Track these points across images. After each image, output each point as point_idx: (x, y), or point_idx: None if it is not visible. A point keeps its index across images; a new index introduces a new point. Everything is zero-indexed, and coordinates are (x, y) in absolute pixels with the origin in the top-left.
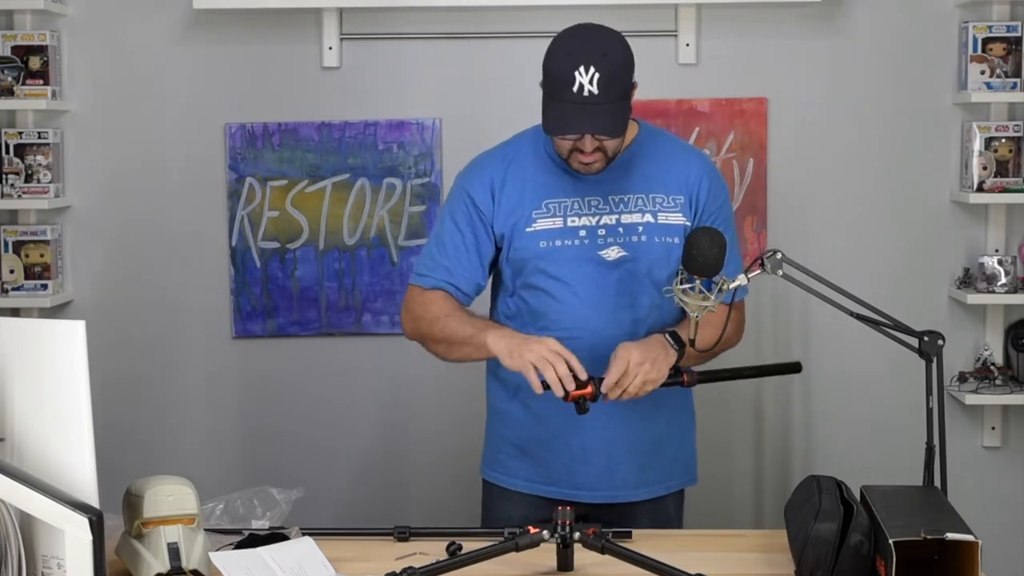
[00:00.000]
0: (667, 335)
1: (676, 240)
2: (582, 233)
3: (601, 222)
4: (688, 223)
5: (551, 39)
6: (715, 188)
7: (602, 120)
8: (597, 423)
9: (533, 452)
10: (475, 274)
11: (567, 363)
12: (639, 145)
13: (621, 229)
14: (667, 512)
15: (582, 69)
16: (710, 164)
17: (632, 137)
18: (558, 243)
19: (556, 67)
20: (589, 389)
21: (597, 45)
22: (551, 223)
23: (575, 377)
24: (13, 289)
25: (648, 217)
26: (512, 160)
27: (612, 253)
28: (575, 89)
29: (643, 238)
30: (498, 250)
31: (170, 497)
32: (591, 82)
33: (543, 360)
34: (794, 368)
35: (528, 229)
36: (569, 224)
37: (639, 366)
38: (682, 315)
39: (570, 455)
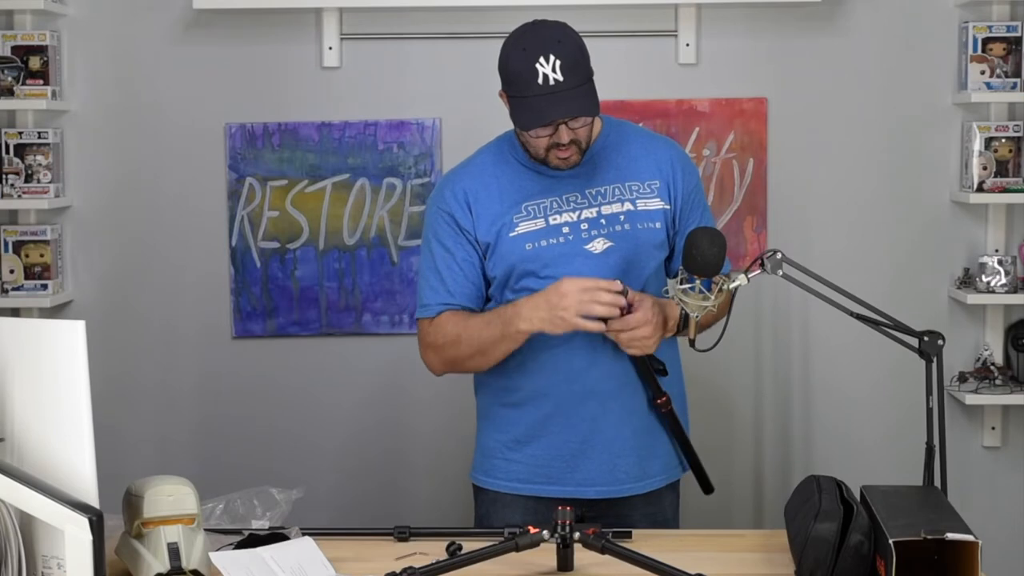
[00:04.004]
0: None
1: (658, 224)
2: (565, 230)
3: (583, 216)
4: (667, 206)
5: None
6: (688, 168)
7: (576, 103)
8: (595, 415)
9: (530, 452)
10: (475, 289)
11: (598, 288)
12: (606, 137)
13: (603, 221)
14: (662, 504)
15: (542, 60)
16: (677, 147)
17: (598, 131)
18: (543, 243)
19: (515, 65)
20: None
21: (549, 35)
22: (533, 224)
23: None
24: (13, 289)
25: (628, 205)
26: (482, 172)
27: (598, 246)
28: (540, 81)
29: (626, 227)
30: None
31: (170, 497)
32: (554, 70)
33: (584, 306)
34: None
35: (511, 234)
36: (551, 223)
37: (645, 337)
38: None
39: (569, 451)
